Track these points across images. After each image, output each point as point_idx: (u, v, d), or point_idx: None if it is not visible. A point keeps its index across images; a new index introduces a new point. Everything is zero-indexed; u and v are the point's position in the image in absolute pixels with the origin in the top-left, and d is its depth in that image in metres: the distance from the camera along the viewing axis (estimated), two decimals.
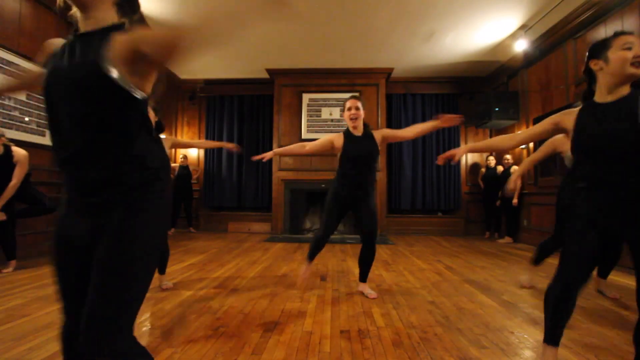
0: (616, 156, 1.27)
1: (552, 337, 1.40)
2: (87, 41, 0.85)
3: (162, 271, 2.62)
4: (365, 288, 2.54)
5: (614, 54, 1.27)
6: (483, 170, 6.25)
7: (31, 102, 3.73)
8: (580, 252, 1.33)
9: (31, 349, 1.57)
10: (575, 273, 1.34)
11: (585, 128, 1.34)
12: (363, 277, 2.55)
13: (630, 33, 1.29)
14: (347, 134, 2.45)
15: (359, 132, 2.44)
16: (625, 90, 1.30)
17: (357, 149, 2.38)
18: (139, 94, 0.86)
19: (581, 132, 1.35)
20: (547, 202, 4.87)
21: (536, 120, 5.18)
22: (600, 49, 1.32)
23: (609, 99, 1.32)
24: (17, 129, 3.54)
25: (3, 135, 3.00)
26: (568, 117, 1.41)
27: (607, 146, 1.28)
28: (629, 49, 1.25)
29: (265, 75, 6.49)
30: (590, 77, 1.38)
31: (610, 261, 2.49)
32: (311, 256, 2.54)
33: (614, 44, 1.28)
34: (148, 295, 2.43)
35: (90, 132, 0.83)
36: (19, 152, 3.06)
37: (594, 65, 1.33)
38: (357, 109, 2.40)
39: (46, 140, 3.92)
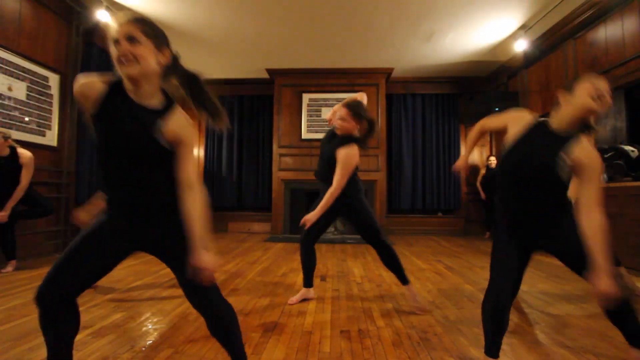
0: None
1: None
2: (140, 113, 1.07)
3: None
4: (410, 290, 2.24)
5: (581, 89, 1.32)
6: (483, 171, 6.19)
7: (31, 102, 3.73)
8: None
9: (31, 349, 1.57)
10: None
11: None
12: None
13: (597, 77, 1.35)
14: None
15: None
16: (569, 127, 1.34)
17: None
18: None
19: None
20: None
21: None
22: (570, 82, 1.39)
23: (558, 128, 1.36)
24: (17, 129, 3.54)
25: (10, 137, 3.01)
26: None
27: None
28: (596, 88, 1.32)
29: (265, 75, 6.49)
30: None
31: None
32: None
33: (582, 80, 1.34)
34: (148, 295, 2.43)
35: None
36: (24, 154, 3.08)
37: (560, 95, 1.39)
38: (343, 119, 2.18)
39: (46, 140, 3.92)
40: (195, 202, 1.10)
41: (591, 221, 1.22)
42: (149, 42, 1.04)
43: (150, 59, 1.04)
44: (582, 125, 1.35)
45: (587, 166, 1.26)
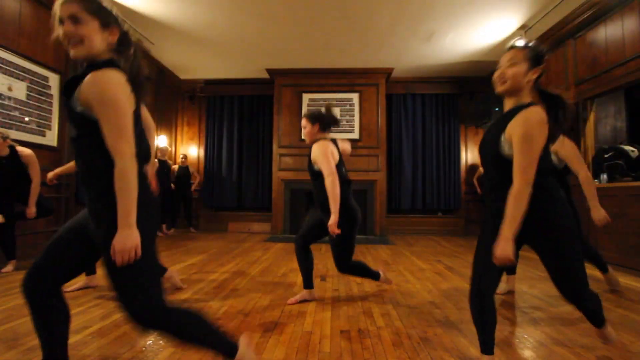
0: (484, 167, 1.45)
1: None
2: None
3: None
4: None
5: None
6: (481, 169, 6.22)
7: (31, 102, 3.73)
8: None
9: (31, 349, 1.57)
10: None
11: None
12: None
13: (512, 48, 1.33)
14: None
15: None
16: (513, 103, 1.34)
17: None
18: None
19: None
20: None
21: None
22: None
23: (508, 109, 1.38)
24: (17, 129, 3.54)
25: (8, 137, 3.01)
26: None
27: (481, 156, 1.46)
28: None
29: (265, 75, 6.49)
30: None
31: None
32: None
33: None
34: None
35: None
36: (25, 151, 3.08)
37: None
38: (304, 127, 2.39)
39: (46, 140, 3.92)
40: (117, 174, 0.95)
41: (510, 189, 1.24)
42: (93, 21, 0.98)
43: (95, 38, 0.99)
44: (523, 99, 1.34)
45: (512, 135, 1.25)
